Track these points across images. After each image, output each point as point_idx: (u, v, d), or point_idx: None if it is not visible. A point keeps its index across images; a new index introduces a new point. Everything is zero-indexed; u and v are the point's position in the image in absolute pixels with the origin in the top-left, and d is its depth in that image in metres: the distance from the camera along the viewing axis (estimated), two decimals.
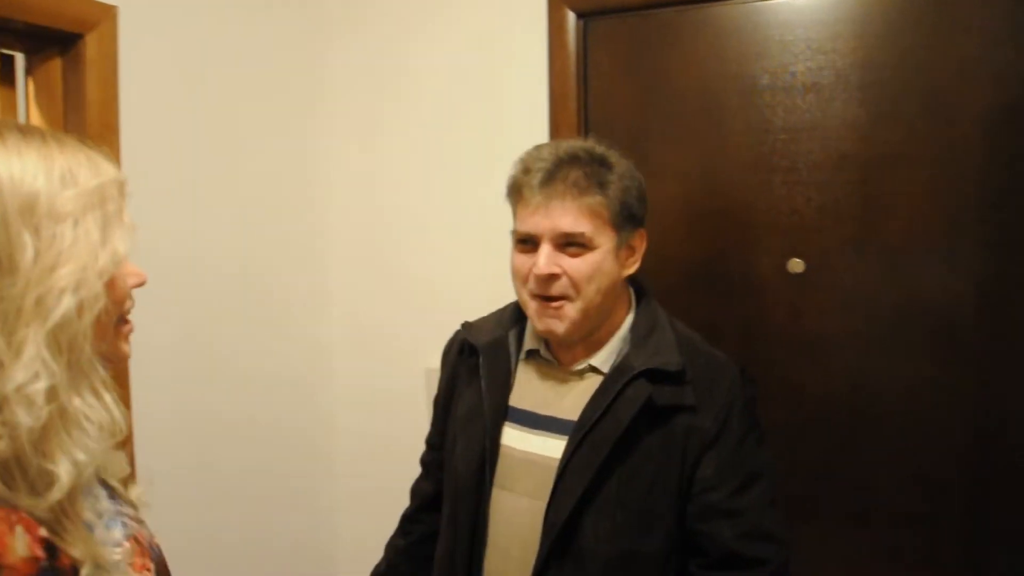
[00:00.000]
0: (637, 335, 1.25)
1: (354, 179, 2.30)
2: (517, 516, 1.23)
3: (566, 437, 1.20)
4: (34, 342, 0.69)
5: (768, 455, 1.26)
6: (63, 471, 0.70)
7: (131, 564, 0.80)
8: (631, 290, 1.32)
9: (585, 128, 2.01)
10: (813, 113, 1.85)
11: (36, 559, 0.68)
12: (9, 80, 1.65)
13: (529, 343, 1.32)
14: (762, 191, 1.90)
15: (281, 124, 2.17)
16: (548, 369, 1.30)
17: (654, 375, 1.18)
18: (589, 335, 1.26)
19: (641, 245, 1.27)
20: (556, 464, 1.19)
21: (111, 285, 0.77)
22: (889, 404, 1.83)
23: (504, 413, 1.27)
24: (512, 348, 1.32)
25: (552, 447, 1.22)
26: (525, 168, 1.22)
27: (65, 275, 0.71)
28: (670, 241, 1.95)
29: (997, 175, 1.75)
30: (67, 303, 0.71)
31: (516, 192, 1.24)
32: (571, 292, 1.19)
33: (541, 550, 1.18)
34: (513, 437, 1.26)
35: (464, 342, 1.36)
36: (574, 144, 1.24)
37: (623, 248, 1.23)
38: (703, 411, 1.19)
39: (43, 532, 0.69)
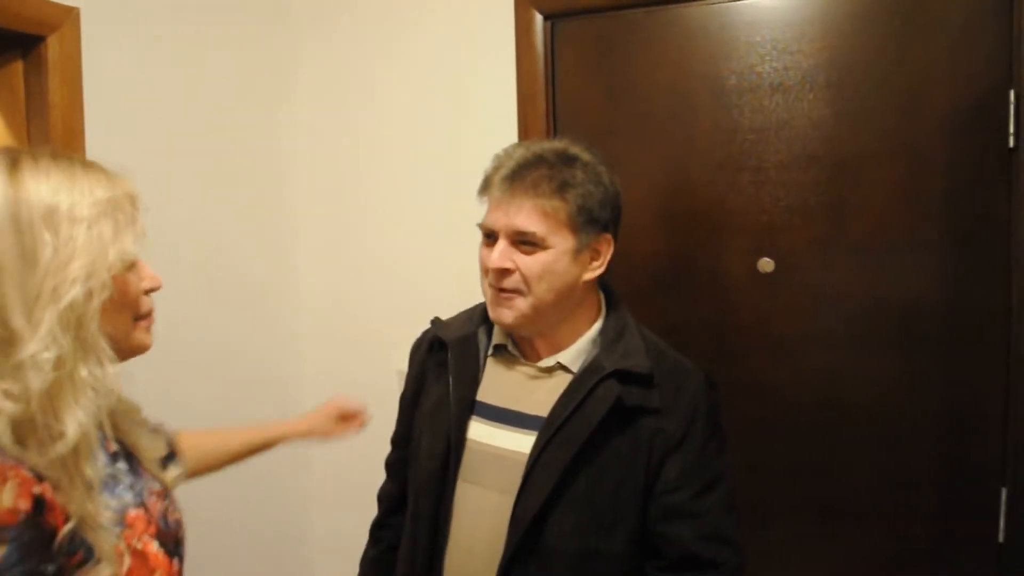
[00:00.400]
0: (607, 338, 1.26)
1: (324, 178, 2.30)
2: (485, 510, 1.23)
3: (535, 433, 1.21)
4: (48, 320, 0.84)
5: (728, 461, 1.27)
6: (70, 429, 0.84)
7: (124, 528, 0.91)
8: (601, 295, 1.33)
9: (554, 128, 2.02)
10: (780, 113, 1.86)
11: (17, 511, 0.79)
12: None
13: (497, 338, 1.33)
14: (730, 191, 1.90)
15: (249, 122, 2.16)
16: (516, 365, 1.30)
17: (624, 376, 1.20)
18: (551, 332, 1.27)
19: (607, 250, 1.27)
20: (525, 459, 1.19)
21: (121, 282, 0.93)
22: (859, 401, 1.84)
23: (471, 407, 1.28)
24: (482, 344, 1.34)
25: (522, 442, 1.22)
26: (497, 165, 1.25)
27: (77, 267, 0.87)
28: (639, 241, 1.95)
29: (964, 173, 1.76)
30: (77, 290, 0.86)
31: (485, 187, 1.27)
32: (522, 287, 1.21)
33: (508, 546, 1.17)
34: (480, 431, 1.27)
35: (434, 338, 1.37)
36: (547, 145, 1.26)
37: (585, 251, 1.23)
38: (669, 415, 1.20)
39: (38, 489, 0.81)
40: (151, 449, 1.05)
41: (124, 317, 0.96)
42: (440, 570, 1.25)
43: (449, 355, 1.31)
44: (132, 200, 0.97)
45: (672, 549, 1.19)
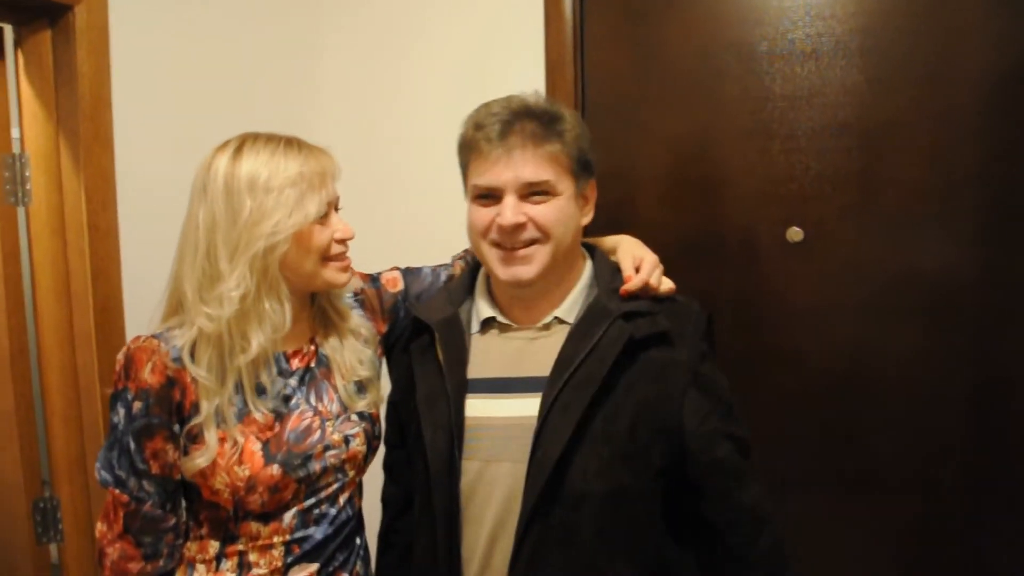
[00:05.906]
0: (603, 280, 1.26)
1: (348, 148, 2.24)
2: (500, 481, 1.19)
3: (538, 393, 1.17)
4: (242, 265, 1.14)
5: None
6: (253, 345, 1.16)
7: (239, 423, 1.16)
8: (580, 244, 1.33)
9: (582, 96, 1.99)
10: (812, 80, 1.83)
11: (150, 382, 1.13)
12: None
13: (485, 311, 1.29)
14: (760, 159, 1.88)
15: (277, 93, 2.15)
16: (510, 333, 1.27)
17: (628, 314, 1.19)
18: (555, 286, 1.25)
19: (593, 195, 1.28)
20: (533, 421, 1.15)
21: (307, 234, 1.17)
22: (888, 372, 1.84)
23: (465, 387, 1.24)
24: (464, 321, 1.30)
25: (526, 405, 1.19)
26: (477, 124, 1.21)
27: (265, 227, 1.13)
28: (667, 209, 1.95)
29: (996, 141, 1.74)
30: (262, 244, 1.14)
31: (470, 148, 1.22)
32: (540, 236, 1.19)
33: (528, 495, 1.14)
34: (478, 407, 1.23)
35: (415, 323, 1.33)
36: (520, 99, 1.23)
37: (579, 197, 1.24)
38: (678, 343, 1.20)
39: (171, 372, 1.14)
40: (349, 373, 1.28)
41: (312, 259, 1.20)
42: (458, 558, 1.21)
43: (437, 340, 1.26)
44: (322, 174, 1.19)
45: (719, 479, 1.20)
